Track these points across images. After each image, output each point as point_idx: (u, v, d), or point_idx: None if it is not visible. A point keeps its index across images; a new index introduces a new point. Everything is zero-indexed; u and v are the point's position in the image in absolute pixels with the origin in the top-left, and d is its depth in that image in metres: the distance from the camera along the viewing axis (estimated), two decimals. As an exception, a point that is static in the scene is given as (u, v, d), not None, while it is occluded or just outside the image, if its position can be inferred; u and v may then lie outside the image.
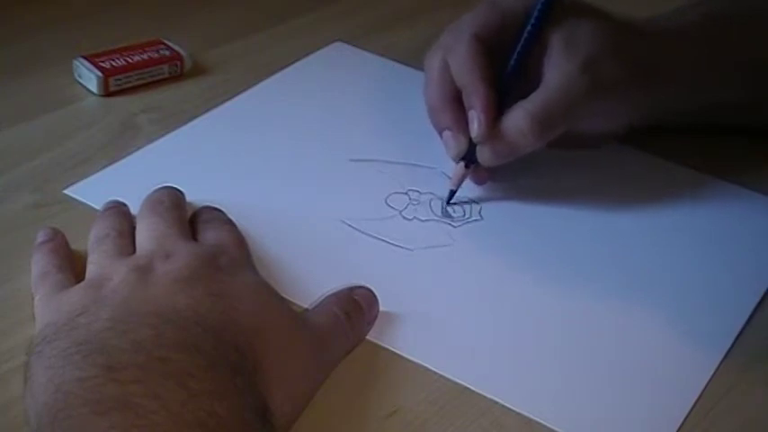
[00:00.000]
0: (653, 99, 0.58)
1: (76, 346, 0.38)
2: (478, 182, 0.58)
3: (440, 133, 0.57)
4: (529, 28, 0.55)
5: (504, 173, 0.58)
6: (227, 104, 0.64)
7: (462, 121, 0.55)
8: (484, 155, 0.55)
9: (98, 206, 0.52)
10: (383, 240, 0.53)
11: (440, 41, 0.58)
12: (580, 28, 0.55)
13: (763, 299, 0.52)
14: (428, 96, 0.58)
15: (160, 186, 0.52)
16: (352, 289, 0.48)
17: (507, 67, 0.55)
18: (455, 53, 0.56)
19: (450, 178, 0.57)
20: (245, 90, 0.65)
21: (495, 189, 0.58)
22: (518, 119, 0.54)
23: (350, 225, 0.54)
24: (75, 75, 0.65)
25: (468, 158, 0.55)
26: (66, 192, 0.55)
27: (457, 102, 0.56)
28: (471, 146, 0.55)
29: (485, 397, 0.44)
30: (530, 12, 0.55)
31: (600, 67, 0.55)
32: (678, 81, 0.58)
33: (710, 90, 0.60)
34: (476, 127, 0.54)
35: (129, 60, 0.64)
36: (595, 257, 0.54)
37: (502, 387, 0.45)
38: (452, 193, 0.56)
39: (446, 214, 0.56)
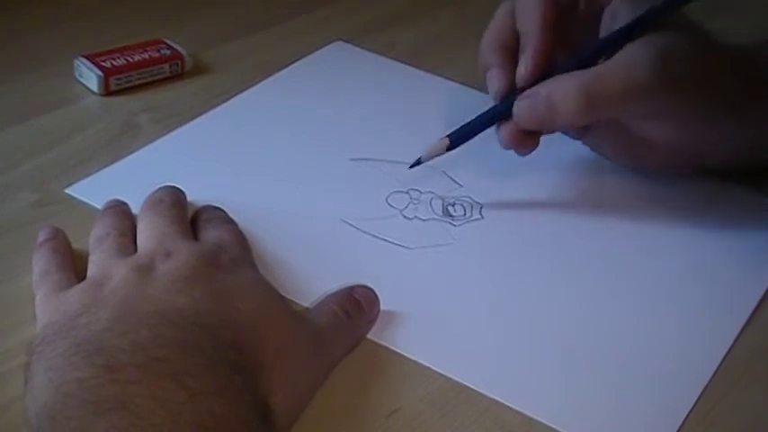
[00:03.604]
0: (727, 127, 0.54)
1: (76, 347, 0.38)
2: (521, 149, 0.54)
3: (484, 74, 0.56)
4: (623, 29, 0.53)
5: (506, 171, 0.58)
6: (228, 104, 0.64)
7: (508, 64, 0.54)
8: (520, 109, 0.53)
9: (99, 205, 0.52)
10: (384, 239, 0.53)
11: None
12: (673, 35, 0.53)
13: (763, 299, 0.52)
14: (484, 39, 0.57)
15: (161, 186, 0.52)
16: (352, 288, 0.48)
17: (582, 51, 0.54)
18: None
19: (450, 178, 0.57)
20: (245, 89, 0.65)
21: (496, 188, 0.58)
22: (566, 81, 0.52)
23: (350, 224, 0.54)
24: (76, 74, 0.65)
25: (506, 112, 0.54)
26: (66, 191, 0.55)
27: (509, 48, 0.55)
28: (510, 102, 0.53)
29: (485, 396, 0.44)
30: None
31: (673, 65, 0.51)
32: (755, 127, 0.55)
33: None
34: (522, 68, 0.53)
35: (130, 60, 0.64)
36: (595, 257, 0.54)
37: (502, 386, 0.45)
38: (418, 161, 0.55)
39: (447, 213, 0.56)
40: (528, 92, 0.53)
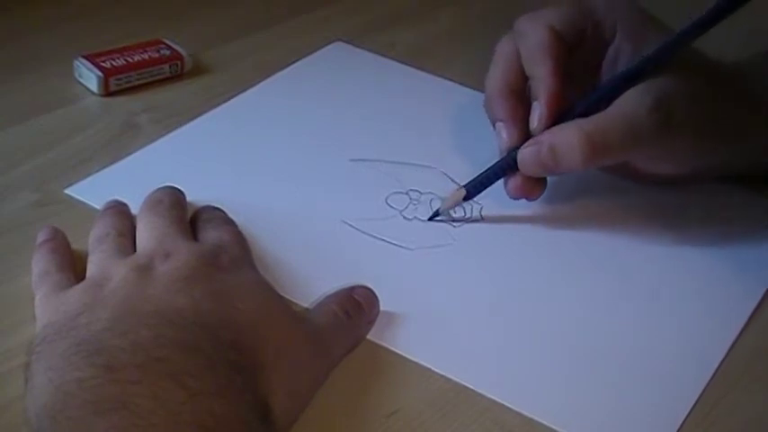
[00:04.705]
0: (730, 153, 0.55)
1: (76, 347, 0.38)
2: (530, 197, 0.55)
3: (493, 124, 0.56)
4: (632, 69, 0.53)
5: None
6: (228, 104, 0.64)
7: (518, 115, 0.54)
8: (524, 157, 0.53)
9: (99, 206, 0.52)
10: (384, 240, 0.53)
11: (514, 27, 0.56)
12: (673, 79, 0.53)
13: (763, 299, 0.52)
14: (489, 83, 0.56)
15: (160, 186, 0.52)
16: (352, 288, 0.48)
17: (587, 97, 0.54)
18: (528, 40, 0.54)
19: (450, 179, 0.57)
20: (245, 90, 0.65)
21: (495, 189, 0.57)
22: (570, 131, 0.52)
23: (350, 225, 0.54)
24: (76, 74, 0.65)
25: (511, 165, 0.54)
26: (66, 191, 0.55)
27: (517, 94, 0.55)
28: (515, 152, 0.54)
29: (485, 396, 0.44)
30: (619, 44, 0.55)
31: (673, 113, 0.52)
32: (755, 144, 0.56)
33: None
34: (536, 119, 0.53)
35: (130, 60, 0.64)
36: (595, 258, 0.54)
37: (502, 387, 0.45)
38: (436, 213, 0.55)
39: (447, 214, 0.56)
40: (532, 140, 0.53)
